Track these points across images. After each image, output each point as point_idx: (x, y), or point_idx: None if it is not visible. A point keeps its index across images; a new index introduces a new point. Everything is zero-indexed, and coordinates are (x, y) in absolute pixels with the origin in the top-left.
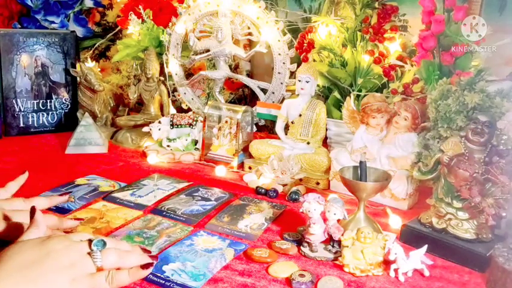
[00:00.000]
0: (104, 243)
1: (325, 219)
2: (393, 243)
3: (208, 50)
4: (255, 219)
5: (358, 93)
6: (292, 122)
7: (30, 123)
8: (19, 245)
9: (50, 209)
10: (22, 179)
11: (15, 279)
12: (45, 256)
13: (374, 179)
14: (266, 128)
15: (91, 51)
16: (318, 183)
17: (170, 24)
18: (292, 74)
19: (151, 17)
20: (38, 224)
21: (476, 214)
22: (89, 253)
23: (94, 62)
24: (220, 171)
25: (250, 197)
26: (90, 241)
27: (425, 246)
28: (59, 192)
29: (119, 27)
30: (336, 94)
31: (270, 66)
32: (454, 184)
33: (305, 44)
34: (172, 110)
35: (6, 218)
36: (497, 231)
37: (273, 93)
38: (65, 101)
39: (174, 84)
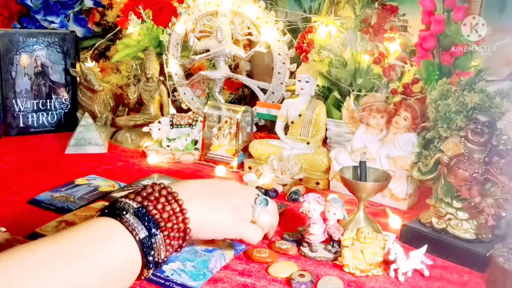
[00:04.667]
0: (267, 203)
1: (325, 219)
2: (393, 243)
3: (208, 50)
4: None
5: (358, 93)
6: (292, 122)
7: (30, 123)
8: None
9: (49, 209)
10: None
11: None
12: (223, 191)
13: (374, 179)
14: (266, 128)
15: (91, 51)
16: (317, 183)
17: (170, 24)
18: (292, 74)
19: (151, 17)
20: None
21: (476, 214)
22: (252, 204)
23: (94, 62)
24: (220, 171)
25: None
26: (257, 195)
27: (425, 246)
28: (59, 193)
29: (118, 27)
30: (336, 94)
31: (269, 66)
32: (453, 184)
33: (305, 44)
34: (172, 110)
35: None
36: (497, 231)
37: (273, 93)
38: (64, 101)
39: (173, 84)
